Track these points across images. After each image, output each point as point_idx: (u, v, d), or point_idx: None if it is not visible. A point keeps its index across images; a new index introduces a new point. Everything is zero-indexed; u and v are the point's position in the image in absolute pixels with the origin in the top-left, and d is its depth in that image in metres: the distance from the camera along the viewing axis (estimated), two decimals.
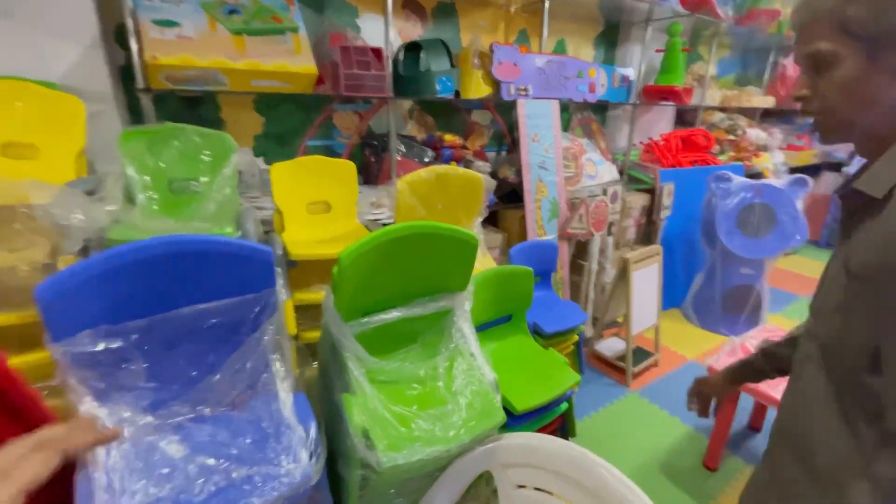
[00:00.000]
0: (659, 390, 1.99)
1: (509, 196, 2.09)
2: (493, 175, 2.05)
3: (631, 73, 2.41)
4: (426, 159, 1.90)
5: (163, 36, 1.23)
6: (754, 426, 1.76)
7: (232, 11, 1.38)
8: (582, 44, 2.56)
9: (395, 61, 1.71)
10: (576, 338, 1.56)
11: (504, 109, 2.30)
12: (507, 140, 2.39)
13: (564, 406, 1.13)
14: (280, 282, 0.69)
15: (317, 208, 1.27)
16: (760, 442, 1.74)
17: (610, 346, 2.22)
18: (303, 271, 1.14)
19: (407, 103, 2.03)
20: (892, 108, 0.54)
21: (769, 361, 0.83)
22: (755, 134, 3.20)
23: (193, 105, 1.62)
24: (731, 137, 3.12)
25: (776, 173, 3.22)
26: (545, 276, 1.66)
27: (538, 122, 1.92)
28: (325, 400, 0.79)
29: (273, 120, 1.75)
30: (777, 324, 2.56)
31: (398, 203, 1.21)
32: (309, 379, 0.94)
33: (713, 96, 3.00)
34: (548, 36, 2.05)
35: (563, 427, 1.24)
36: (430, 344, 0.81)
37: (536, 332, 1.41)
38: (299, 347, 1.04)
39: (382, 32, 1.59)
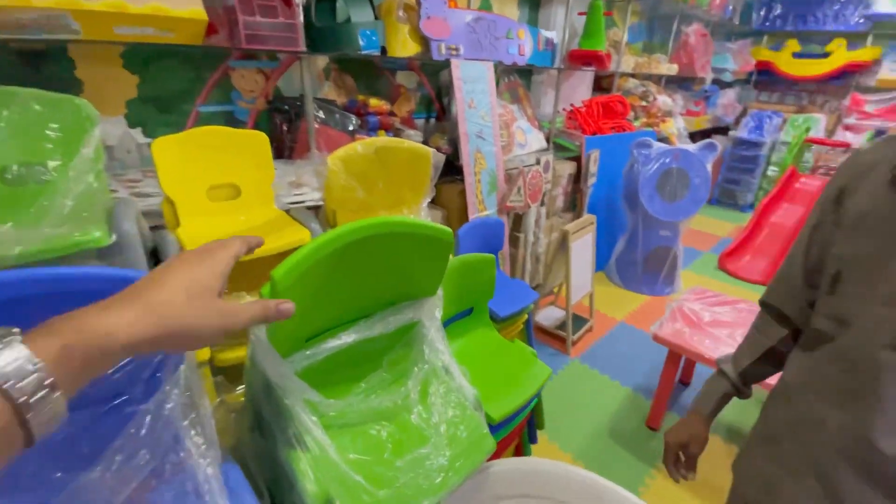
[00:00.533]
0: (597, 355, 2.05)
1: (445, 167, 1.94)
2: (425, 144, 1.88)
3: (555, 36, 2.33)
4: (350, 127, 1.66)
5: None
6: (684, 381, 1.88)
7: None
8: (506, 2, 2.41)
9: (307, 8, 1.43)
10: (526, 317, 1.50)
11: (431, 71, 2.10)
12: (436, 106, 2.20)
13: (535, 402, 1.06)
14: None
15: (221, 193, 1.01)
16: (691, 395, 1.87)
17: (548, 315, 2.23)
18: None
19: (322, 61, 1.74)
20: None
21: (748, 382, 0.75)
22: (663, 100, 3.36)
23: (37, 62, 1.21)
24: (644, 104, 3.24)
25: (679, 137, 3.44)
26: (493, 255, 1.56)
27: (474, 87, 1.77)
28: (263, 457, 0.60)
29: (151, 79, 1.39)
30: (696, 283, 2.77)
31: (329, 183, 1.00)
32: (238, 416, 0.74)
33: (627, 62, 3.06)
34: None
35: (530, 421, 1.18)
36: (398, 366, 0.65)
37: (490, 317, 1.32)
38: (217, 383, 0.82)
39: None
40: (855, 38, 4.14)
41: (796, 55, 4.48)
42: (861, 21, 4.02)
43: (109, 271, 0.44)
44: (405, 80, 2.06)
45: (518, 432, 1.02)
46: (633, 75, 3.22)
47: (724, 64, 4.13)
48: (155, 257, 0.90)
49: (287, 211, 1.12)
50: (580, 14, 2.52)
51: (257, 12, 1.15)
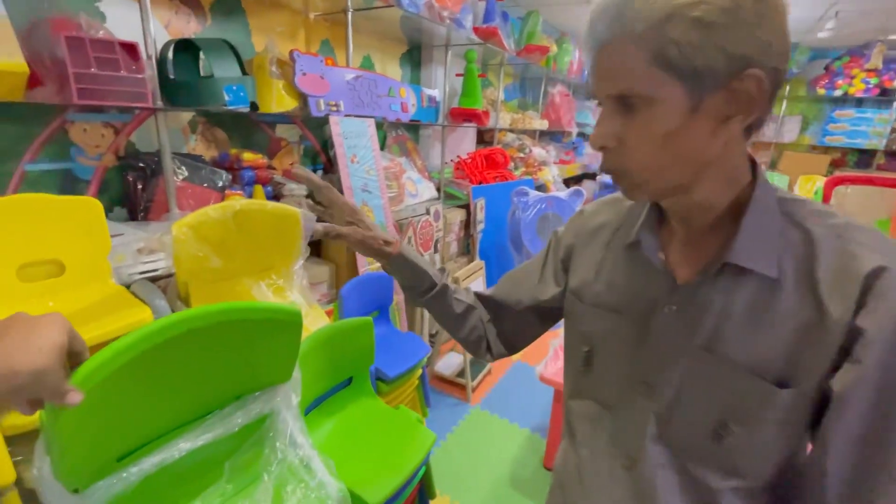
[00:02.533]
0: (496, 399, 2.07)
1: None
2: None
3: (437, 94, 2.48)
4: (220, 183, 1.54)
5: None
6: None
7: None
8: (388, 61, 2.52)
9: (163, 62, 1.33)
10: (420, 371, 1.47)
11: (314, 124, 2.07)
12: (322, 158, 2.17)
13: (422, 472, 1.00)
14: None
15: (37, 272, 0.85)
16: None
17: (448, 363, 2.22)
18: None
19: (186, 115, 1.62)
20: (723, 170, 0.45)
21: (428, 292, 0.65)
22: (538, 151, 3.72)
23: None
24: (521, 155, 3.55)
25: (555, 183, 3.82)
26: (383, 311, 1.52)
27: (356, 142, 1.77)
28: None
29: None
30: None
31: (178, 253, 0.89)
32: None
33: (504, 119, 3.36)
34: (353, 50, 1.92)
35: (421, 491, 1.12)
36: (245, 472, 0.57)
37: (379, 379, 1.26)
38: None
39: (139, 24, 1.20)
40: None
41: None
42: None
43: None
44: (286, 133, 2.00)
45: None
46: (511, 130, 3.53)
47: (586, 119, 4.73)
48: None
49: (129, 285, 0.97)
50: (458, 75, 2.72)
51: (94, 65, 1.04)
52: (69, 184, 1.36)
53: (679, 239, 0.52)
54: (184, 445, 0.50)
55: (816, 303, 0.43)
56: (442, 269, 0.69)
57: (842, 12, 3.13)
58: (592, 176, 4.96)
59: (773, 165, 4.93)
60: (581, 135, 4.81)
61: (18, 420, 0.74)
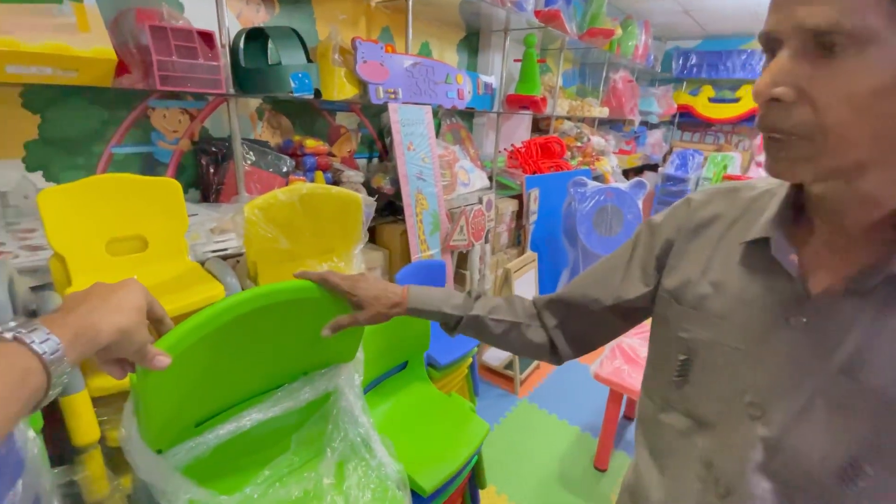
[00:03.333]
0: (545, 394, 2.03)
1: (387, 208, 1.91)
2: (367, 185, 1.85)
3: (493, 80, 2.43)
4: (284, 169, 1.60)
5: None
6: (629, 416, 1.89)
7: None
8: (446, 48, 2.49)
9: (235, 50, 1.38)
10: (470, 360, 1.46)
11: (372, 113, 2.10)
12: (378, 146, 2.19)
13: (475, 461, 1.00)
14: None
15: (124, 247, 0.91)
16: None
17: (496, 354, 2.20)
18: None
19: (254, 102, 1.69)
20: None
21: (468, 325, 0.64)
22: (596, 140, 3.57)
23: None
24: (579, 144, 3.42)
25: (614, 175, 3.65)
26: None
27: (412, 130, 1.77)
28: None
29: (54, 119, 1.27)
30: None
31: (248, 233, 0.93)
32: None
33: (562, 106, 3.24)
34: (412, 37, 1.91)
35: (471, 481, 1.12)
36: (310, 446, 0.58)
37: (430, 365, 1.26)
38: (110, 463, 0.70)
39: (214, 14, 1.26)
40: None
41: (712, 99, 4.96)
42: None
43: None
44: (345, 121, 2.04)
45: (458, 496, 0.95)
46: (568, 118, 3.41)
47: (650, 107, 4.48)
48: None
49: (203, 262, 1.03)
50: (516, 61, 2.65)
51: (174, 53, 1.09)
52: (149, 166, 1.46)
53: (820, 240, 0.43)
54: (255, 416, 0.52)
55: None
56: (471, 295, 0.66)
57: None
58: (654, 167, 4.70)
59: None
60: (644, 123, 4.57)
61: (105, 382, 0.81)
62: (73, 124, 1.30)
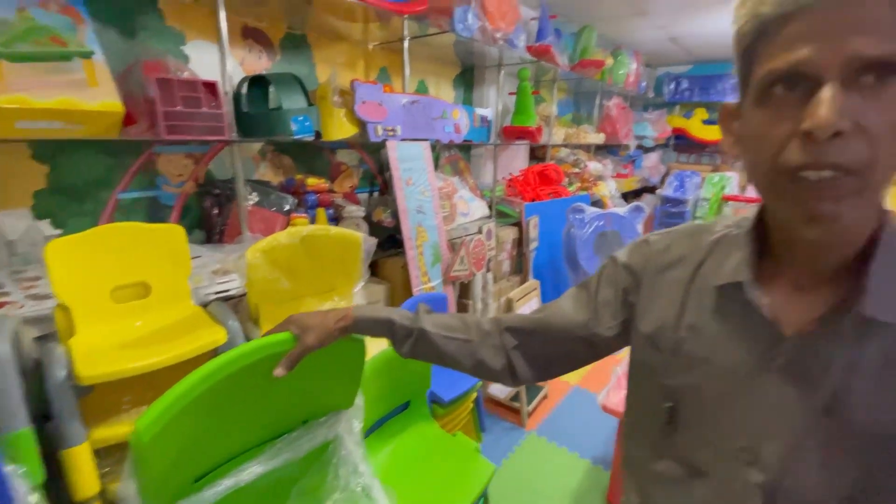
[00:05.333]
0: (554, 425, 1.99)
1: (388, 241, 1.92)
2: (368, 219, 1.88)
3: (489, 113, 2.49)
4: (287, 207, 1.63)
5: None
6: None
7: None
8: (442, 84, 2.57)
9: (237, 96, 1.44)
10: (475, 395, 1.44)
11: (372, 149, 2.15)
12: (379, 180, 2.23)
13: None
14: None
15: (127, 293, 0.93)
16: None
17: (502, 386, 2.17)
18: (106, 393, 0.79)
19: (257, 144, 1.74)
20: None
21: (419, 347, 0.61)
22: (593, 166, 3.62)
23: None
24: (576, 170, 3.47)
25: (612, 199, 3.69)
26: None
27: (411, 165, 1.81)
28: None
29: (62, 168, 1.31)
30: None
31: (250, 276, 0.95)
32: None
33: (558, 134, 3.31)
34: (409, 76, 1.98)
35: None
36: (310, 496, 0.58)
37: (435, 402, 1.25)
38: None
39: (217, 64, 1.31)
40: None
41: (706, 122, 5.05)
42: None
43: None
44: (346, 158, 2.09)
45: None
46: (564, 145, 3.47)
47: (644, 131, 4.56)
48: (38, 376, 0.78)
49: (206, 305, 1.04)
50: (511, 94, 2.73)
51: (180, 103, 1.14)
52: (155, 210, 1.49)
53: (788, 282, 0.44)
54: (255, 469, 0.52)
55: None
56: (421, 312, 0.63)
57: None
58: (652, 189, 4.74)
59: None
60: (640, 147, 4.64)
61: (106, 433, 0.80)
62: (81, 173, 1.34)
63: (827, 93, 0.33)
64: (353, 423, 0.61)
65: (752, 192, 4.65)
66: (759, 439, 0.43)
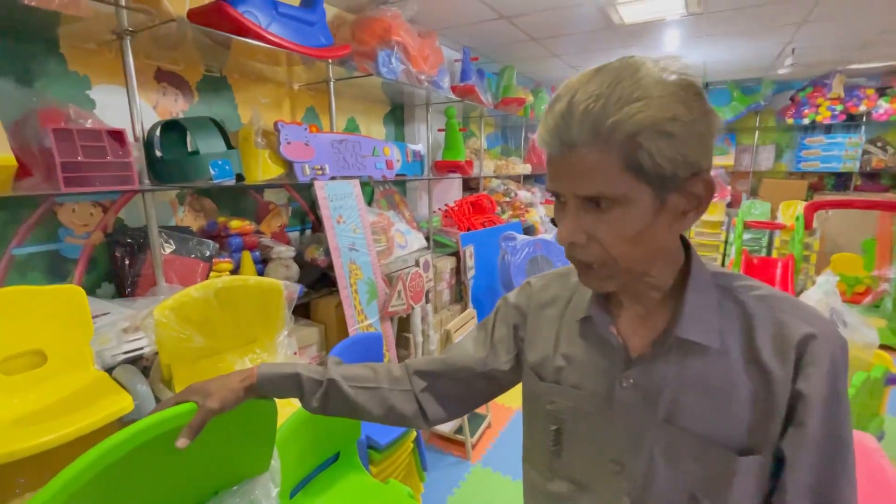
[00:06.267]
0: (499, 454, 2.00)
1: (321, 280, 1.89)
2: (300, 258, 1.84)
3: (421, 148, 2.57)
4: (208, 253, 1.56)
5: None
6: None
7: None
8: (372, 122, 2.62)
9: (150, 142, 1.38)
10: (414, 434, 1.43)
11: (302, 186, 2.13)
12: (311, 218, 2.21)
13: None
14: None
15: (20, 364, 0.84)
16: None
17: None
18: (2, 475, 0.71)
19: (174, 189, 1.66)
20: (671, 254, 0.50)
21: (330, 401, 0.61)
22: (523, 194, 3.81)
23: None
24: (507, 199, 3.63)
25: (543, 224, 3.88)
26: None
27: (341, 203, 1.81)
28: None
29: None
30: None
31: (160, 337, 0.89)
32: None
33: (488, 166, 3.47)
34: (337, 114, 2.01)
35: None
36: None
37: (370, 447, 1.22)
38: None
39: (127, 108, 1.26)
40: None
41: None
42: None
43: None
44: (274, 197, 2.05)
45: None
46: (495, 176, 3.63)
47: None
48: None
49: (113, 368, 0.96)
50: (440, 130, 2.83)
51: (80, 153, 1.08)
52: (56, 264, 1.37)
53: (629, 313, 0.53)
54: None
55: (761, 370, 0.46)
56: (330, 364, 0.64)
57: (798, 49, 3.32)
58: None
59: (753, 192, 5.04)
60: None
61: None
62: None
63: (566, 217, 0.47)
64: (269, 486, 0.59)
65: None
66: (623, 451, 0.51)
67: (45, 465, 0.79)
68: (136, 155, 1.24)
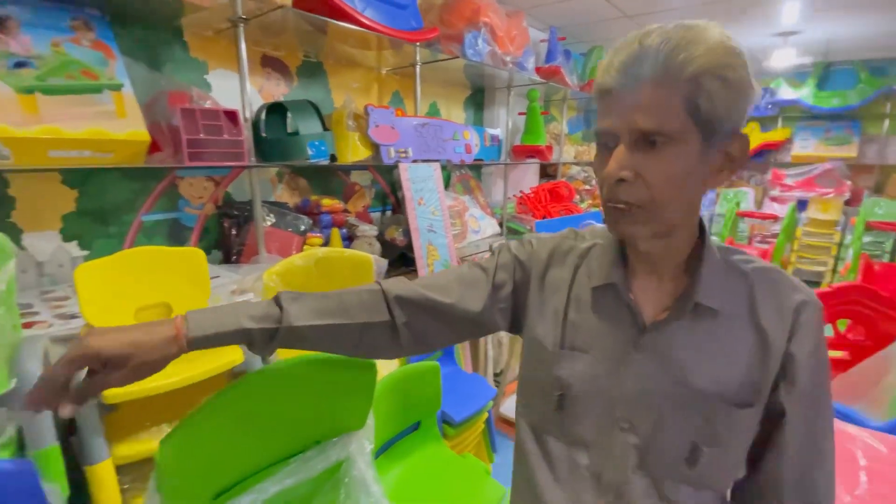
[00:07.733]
0: None
1: (400, 259, 1.95)
2: (380, 237, 1.91)
3: (499, 133, 2.53)
4: (302, 227, 1.68)
5: None
6: None
7: (20, 64, 1.04)
8: (453, 106, 2.63)
9: (257, 123, 1.50)
10: (486, 415, 1.44)
11: (384, 170, 2.20)
12: (391, 200, 2.28)
13: None
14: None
15: (150, 314, 0.96)
16: None
17: (514, 404, 2.15)
18: (129, 411, 0.82)
19: (274, 167, 1.80)
20: (695, 218, 0.53)
21: (287, 339, 0.53)
22: None
23: None
24: (587, 187, 3.48)
25: None
26: (448, 350, 1.53)
27: (422, 186, 1.85)
28: None
29: (90, 193, 1.37)
30: None
31: (266, 299, 0.98)
32: None
33: (568, 152, 3.34)
34: (421, 99, 2.04)
35: None
36: None
37: (446, 422, 1.25)
38: None
39: (238, 91, 1.38)
40: (766, 122, 4.71)
41: None
42: (769, 107, 4.59)
43: None
44: (359, 178, 2.14)
45: None
46: (575, 163, 3.49)
47: None
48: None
49: None
50: (520, 114, 2.77)
51: (202, 131, 1.19)
52: (176, 231, 1.55)
53: (642, 282, 0.56)
54: (270, 487, 0.54)
55: (761, 332, 0.51)
56: (278, 301, 0.54)
57: None
58: None
59: (878, 189, 4.37)
60: None
61: (129, 451, 0.83)
62: (108, 197, 1.40)
63: (617, 152, 0.48)
64: (364, 443, 0.62)
65: (768, 206, 4.59)
66: (632, 409, 0.53)
67: (166, 404, 0.90)
68: (246, 134, 1.36)
